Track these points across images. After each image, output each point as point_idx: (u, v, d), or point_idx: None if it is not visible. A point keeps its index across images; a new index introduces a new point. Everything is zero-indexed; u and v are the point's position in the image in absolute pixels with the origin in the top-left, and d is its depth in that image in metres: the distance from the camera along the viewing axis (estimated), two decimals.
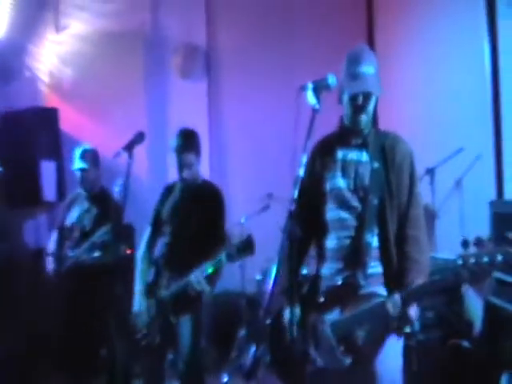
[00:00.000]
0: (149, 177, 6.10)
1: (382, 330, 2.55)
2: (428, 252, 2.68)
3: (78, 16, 6.31)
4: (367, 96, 2.66)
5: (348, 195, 2.70)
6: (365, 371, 2.55)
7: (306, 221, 2.72)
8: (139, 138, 3.37)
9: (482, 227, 4.16)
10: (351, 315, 2.58)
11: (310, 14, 6.07)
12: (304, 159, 2.50)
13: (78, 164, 4.48)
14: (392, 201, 2.65)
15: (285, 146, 5.68)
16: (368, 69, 2.65)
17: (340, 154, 2.77)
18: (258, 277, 5.27)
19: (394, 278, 2.59)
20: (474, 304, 4.00)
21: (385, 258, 2.65)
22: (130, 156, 3.29)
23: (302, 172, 2.49)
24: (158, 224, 3.83)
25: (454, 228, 4.72)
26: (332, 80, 2.61)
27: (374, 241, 2.65)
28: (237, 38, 6.26)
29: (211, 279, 3.46)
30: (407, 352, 3.74)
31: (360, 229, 2.65)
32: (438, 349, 3.77)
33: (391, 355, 2.60)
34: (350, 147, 2.76)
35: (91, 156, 4.55)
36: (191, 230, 3.64)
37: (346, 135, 2.79)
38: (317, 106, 2.58)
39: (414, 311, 2.49)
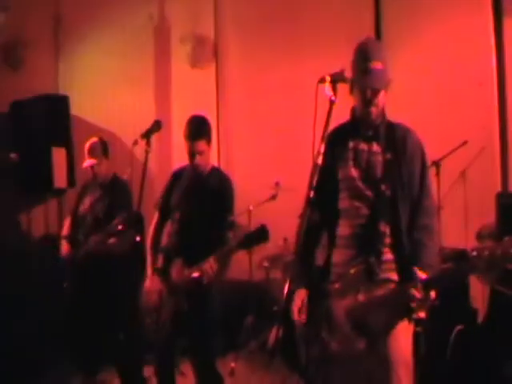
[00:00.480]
0: (156, 164, 6.11)
1: (395, 314, 2.64)
2: (439, 239, 2.78)
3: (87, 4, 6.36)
4: (375, 91, 2.76)
5: (360, 185, 2.79)
6: (378, 354, 2.63)
7: (320, 208, 2.79)
8: (156, 126, 3.44)
9: (485, 218, 4.25)
10: (365, 300, 2.67)
11: (317, 3, 6.11)
12: (322, 148, 2.58)
13: (88, 161, 4.49)
14: (404, 191, 2.74)
15: (292, 134, 5.84)
16: (376, 64, 2.75)
17: (352, 143, 2.86)
18: (266, 264, 5.35)
19: (406, 265, 2.67)
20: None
21: (397, 246, 2.74)
22: (148, 144, 3.36)
23: (319, 160, 2.56)
24: (166, 210, 3.85)
25: (459, 218, 4.82)
26: (348, 73, 2.72)
27: (387, 229, 2.74)
28: (244, 27, 6.30)
29: (223, 267, 3.48)
30: (415, 337, 3.87)
31: (373, 218, 2.74)
32: (444, 334, 3.85)
33: (403, 338, 2.69)
34: (362, 138, 2.85)
35: (100, 148, 4.52)
36: (200, 216, 3.65)
37: (357, 126, 2.88)
38: (334, 98, 2.67)
39: (433, 295, 2.57)
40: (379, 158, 2.78)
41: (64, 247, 4.55)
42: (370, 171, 2.78)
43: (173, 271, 3.63)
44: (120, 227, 4.10)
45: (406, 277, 2.62)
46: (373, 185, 2.76)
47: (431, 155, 4.69)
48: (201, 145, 3.63)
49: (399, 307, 2.62)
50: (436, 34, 5.31)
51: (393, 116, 2.92)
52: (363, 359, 2.67)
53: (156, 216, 3.90)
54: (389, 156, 2.76)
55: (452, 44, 5.19)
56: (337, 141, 2.88)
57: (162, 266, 3.74)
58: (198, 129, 3.65)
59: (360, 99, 2.79)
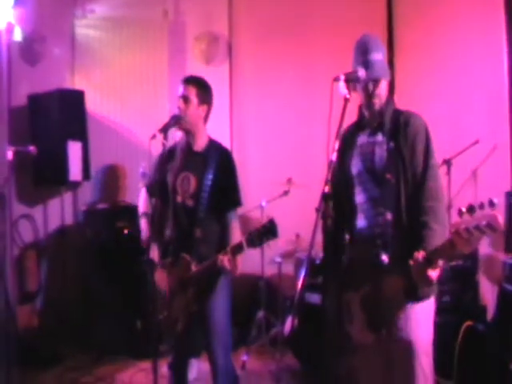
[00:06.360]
0: None
1: (403, 297, 2.66)
2: (446, 222, 2.69)
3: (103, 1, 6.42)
4: (376, 82, 2.87)
5: (369, 177, 2.85)
6: (399, 343, 2.68)
7: (338, 206, 2.83)
8: (174, 121, 3.46)
9: None
10: (375, 289, 2.71)
11: (329, 3, 6.14)
12: (336, 145, 2.63)
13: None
14: (406, 175, 2.74)
15: (304, 131, 5.89)
16: (375, 55, 2.86)
17: (359, 139, 2.95)
18: (278, 259, 5.39)
19: (408, 248, 2.62)
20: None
21: (399, 231, 2.72)
22: (165, 138, 3.38)
23: (334, 157, 2.61)
24: (164, 194, 3.53)
25: None
26: (361, 73, 2.79)
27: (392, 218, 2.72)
28: (258, 25, 6.34)
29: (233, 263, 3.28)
30: None
31: (382, 208, 2.77)
32: (453, 331, 3.89)
33: (423, 326, 2.72)
34: (368, 131, 2.93)
35: None
36: (203, 195, 3.42)
37: (363, 121, 2.98)
38: (348, 96, 2.73)
39: (434, 273, 2.52)
40: (384, 148, 2.81)
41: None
42: (376, 163, 2.82)
43: (179, 267, 3.39)
44: None
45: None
46: (380, 176, 2.79)
47: (443, 154, 4.77)
48: (189, 89, 3.47)
49: (405, 288, 2.63)
50: (448, 35, 5.34)
51: None
52: (384, 349, 2.71)
53: (153, 202, 3.53)
54: (392, 144, 2.79)
55: (464, 45, 5.22)
56: (347, 139, 2.97)
57: (169, 260, 3.47)
58: (191, 76, 3.56)
59: (363, 93, 2.89)
